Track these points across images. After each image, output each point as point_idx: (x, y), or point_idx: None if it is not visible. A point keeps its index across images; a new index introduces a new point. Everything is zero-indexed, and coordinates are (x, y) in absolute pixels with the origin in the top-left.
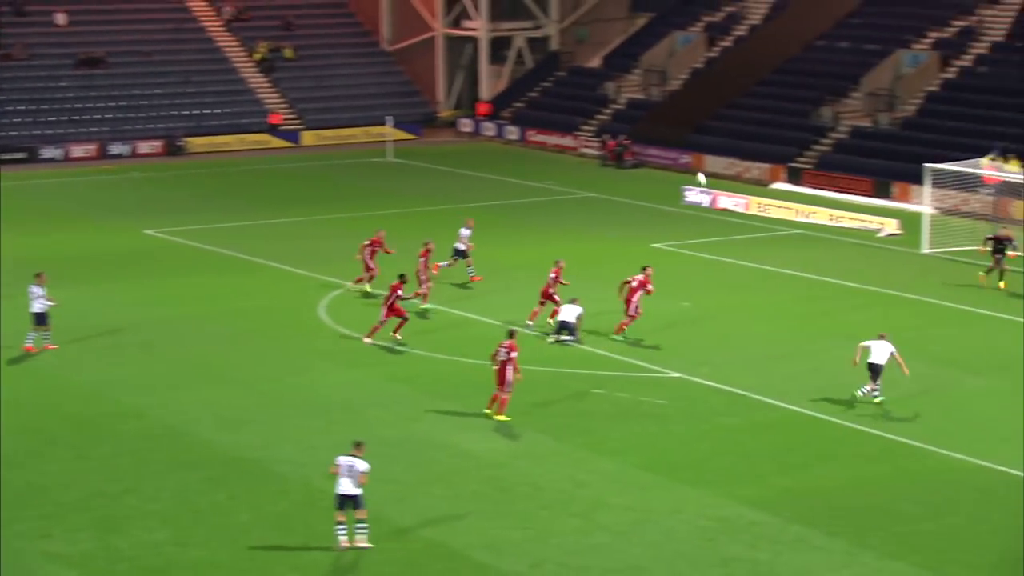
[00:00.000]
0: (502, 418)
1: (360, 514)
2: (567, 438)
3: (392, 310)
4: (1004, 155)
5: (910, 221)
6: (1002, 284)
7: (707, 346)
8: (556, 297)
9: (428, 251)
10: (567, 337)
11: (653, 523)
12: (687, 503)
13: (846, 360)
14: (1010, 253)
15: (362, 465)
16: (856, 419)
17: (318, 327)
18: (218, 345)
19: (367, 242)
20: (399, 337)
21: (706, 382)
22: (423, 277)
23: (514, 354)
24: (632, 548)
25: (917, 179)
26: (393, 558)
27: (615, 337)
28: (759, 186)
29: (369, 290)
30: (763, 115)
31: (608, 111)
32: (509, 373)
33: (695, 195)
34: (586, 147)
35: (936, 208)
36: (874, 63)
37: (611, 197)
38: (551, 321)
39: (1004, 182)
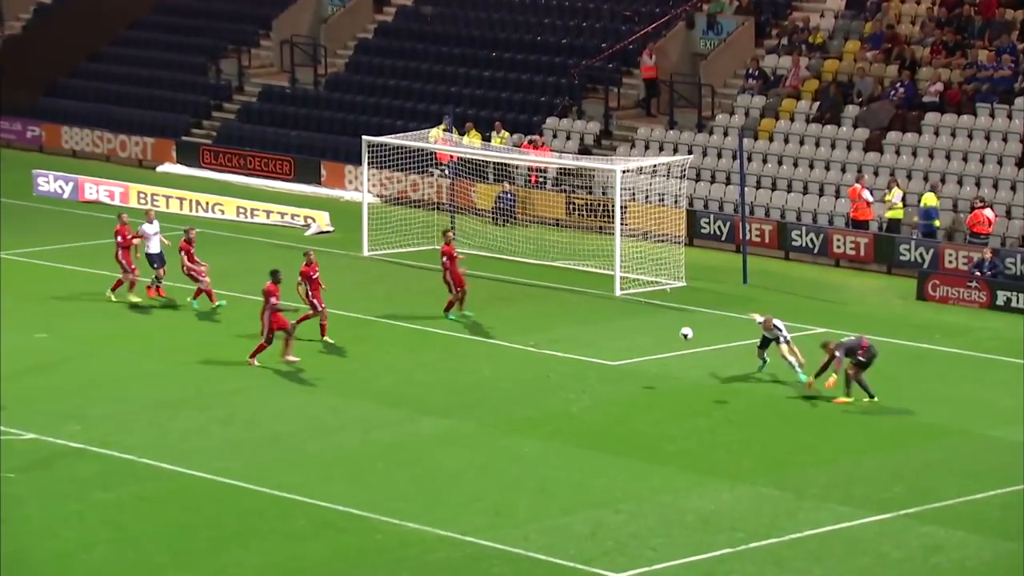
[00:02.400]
0: None
1: None
2: None
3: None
4: (459, 124)
5: (345, 213)
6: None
7: (75, 394)
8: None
9: (190, 241)
10: None
11: None
12: None
13: (271, 404)
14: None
15: None
16: (280, 485)
17: None
18: None
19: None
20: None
21: (74, 444)
22: (194, 273)
23: None
24: None
25: (352, 157)
26: None
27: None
28: (142, 169)
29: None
30: (142, 71)
31: None
32: None
33: (51, 183)
34: None
35: (377, 196)
36: (289, 2)
37: None
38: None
39: (460, 159)
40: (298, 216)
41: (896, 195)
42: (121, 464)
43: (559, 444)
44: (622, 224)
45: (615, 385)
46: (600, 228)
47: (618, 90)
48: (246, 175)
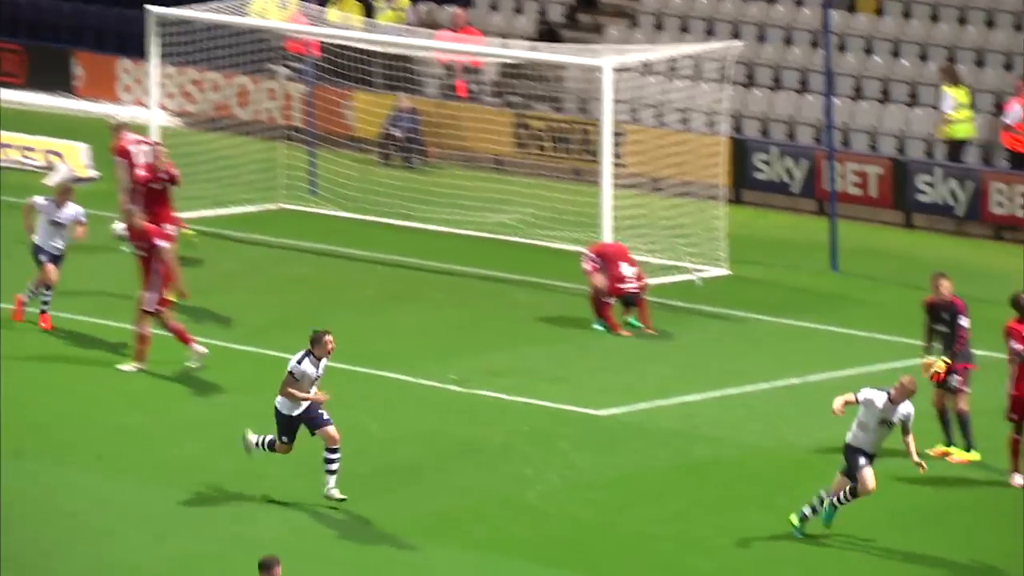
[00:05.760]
0: None
1: None
2: None
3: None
4: None
5: None
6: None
7: None
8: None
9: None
10: None
11: None
12: None
13: None
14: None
15: None
16: None
17: None
18: None
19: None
20: None
21: None
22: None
23: None
24: None
25: (130, 44)
26: None
27: None
28: None
29: None
30: None
31: None
32: None
33: None
34: None
35: (176, 115)
36: None
37: None
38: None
39: (324, 50)
40: (33, 152)
41: None
42: None
43: (499, 556)
44: (616, 165)
45: (603, 453)
46: (576, 173)
47: None
48: None
